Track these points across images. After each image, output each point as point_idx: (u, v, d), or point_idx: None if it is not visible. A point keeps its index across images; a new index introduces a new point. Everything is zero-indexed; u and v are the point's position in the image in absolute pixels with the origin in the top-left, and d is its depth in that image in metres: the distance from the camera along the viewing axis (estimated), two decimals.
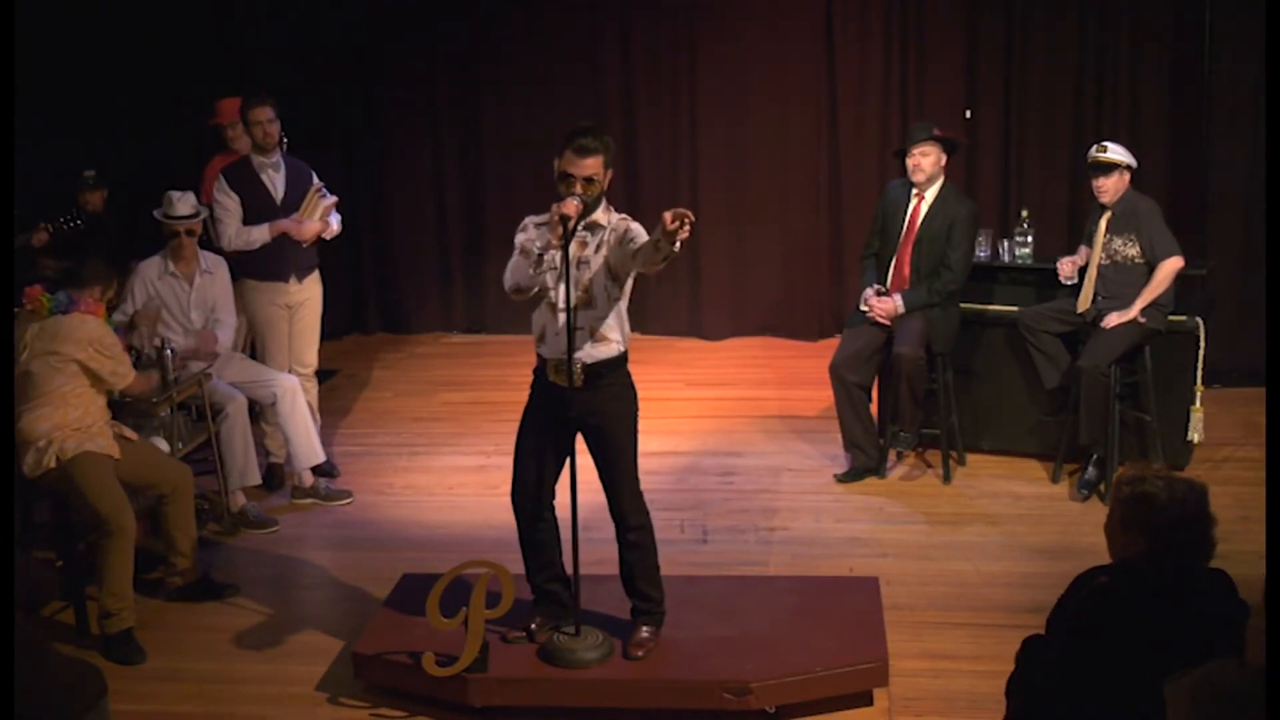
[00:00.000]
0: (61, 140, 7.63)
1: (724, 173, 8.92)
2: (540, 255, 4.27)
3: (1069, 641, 3.10)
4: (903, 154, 6.31)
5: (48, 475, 4.96)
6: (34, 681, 3.40)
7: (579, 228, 4.27)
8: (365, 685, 4.61)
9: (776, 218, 8.88)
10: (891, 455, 6.53)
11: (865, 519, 6.01)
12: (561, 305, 4.27)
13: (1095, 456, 6.12)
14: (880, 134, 8.62)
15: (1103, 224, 6.09)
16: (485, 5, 8.98)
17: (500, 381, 7.97)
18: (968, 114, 8.39)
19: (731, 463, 6.73)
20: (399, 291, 9.52)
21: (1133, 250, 6.03)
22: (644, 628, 4.53)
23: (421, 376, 8.54)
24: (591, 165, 4.22)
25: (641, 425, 4.46)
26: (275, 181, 6.31)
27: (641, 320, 8.57)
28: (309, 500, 6.35)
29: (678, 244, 3.94)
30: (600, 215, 4.32)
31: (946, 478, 6.37)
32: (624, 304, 4.40)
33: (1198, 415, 6.20)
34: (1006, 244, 6.61)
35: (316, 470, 6.41)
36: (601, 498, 4.48)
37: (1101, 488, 6.08)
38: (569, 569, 4.52)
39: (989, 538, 5.77)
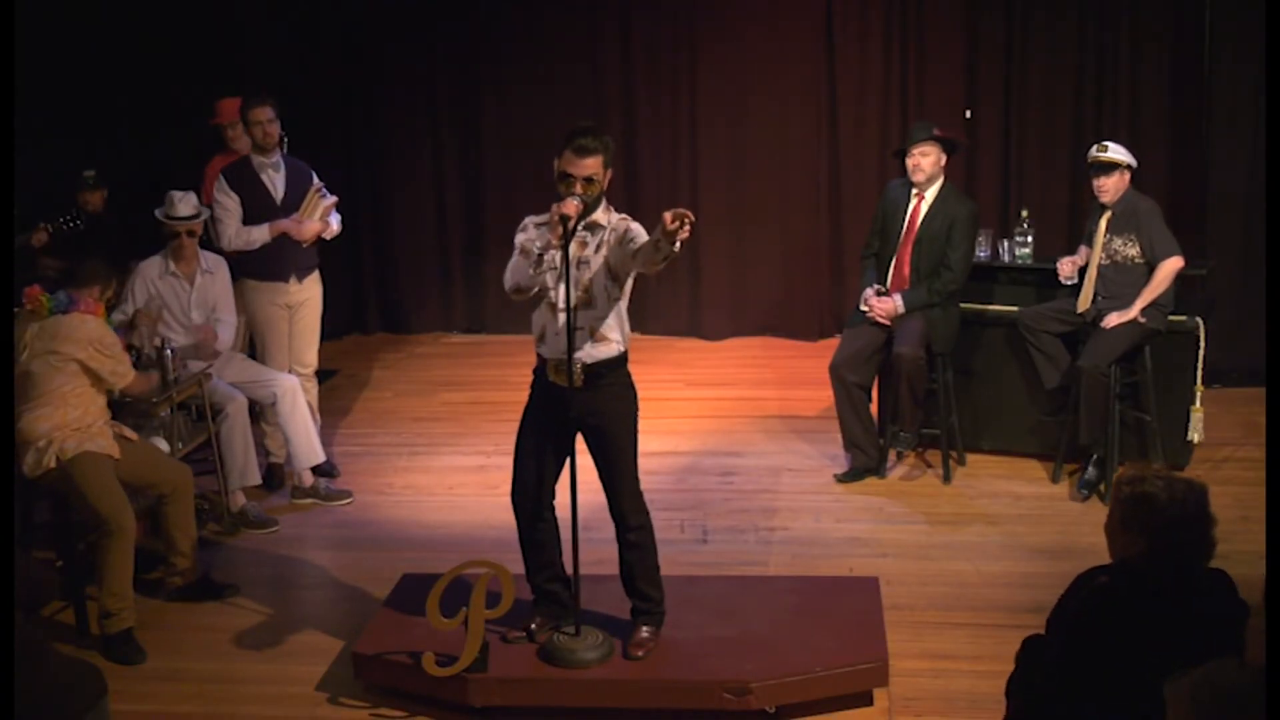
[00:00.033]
0: (61, 140, 7.62)
1: (724, 173, 8.92)
2: (540, 255, 4.27)
3: (1069, 641, 3.10)
4: (903, 154, 6.31)
5: (48, 475, 4.96)
6: (34, 681, 3.40)
7: (579, 228, 4.27)
8: (365, 685, 4.61)
9: (776, 218, 8.89)
10: (891, 455, 6.53)
11: (865, 519, 6.01)
12: (561, 305, 4.27)
13: (1095, 456, 6.12)
14: (880, 134, 8.62)
15: (1103, 224, 6.09)
16: (485, 5, 8.98)
17: (500, 381, 7.97)
18: (968, 114, 8.39)
19: (731, 463, 6.73)
20: (399, 291, 9.52)
21: (1133, 250, 6.03)
22: (644, 628, 4.53)
23: (421, 376, 8.54)
24: (591, 165, 4.22)
25: (641, 425, 4.46)
26: (275, 181, 6.31)
27: (641, 320, 8.57)
28: (309, 500, 6.35)
29: (678, 244, 3.94)
30: (600, 215, 4.32)
31: (946, 478, 6.37)
32: (624, 304, 4.40)
33: (1198, 415, 6.20)
34: (1006, 244, 6.61)
35: (316, 470, 6.41)
36: (601, 498, 4.48)
37: (1101, 488, 6.08)
38: (569, 569, 4.52)
39: (989, 538, 5.77)
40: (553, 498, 4.54)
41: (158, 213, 6.00)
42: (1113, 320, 5.98)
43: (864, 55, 8.60)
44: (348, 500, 6.38)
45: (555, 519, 4.57)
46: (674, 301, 9.10)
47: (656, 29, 8.86)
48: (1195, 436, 6.23)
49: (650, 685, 4.37)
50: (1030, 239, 6.56)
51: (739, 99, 8.79)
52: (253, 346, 6.61)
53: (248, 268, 6.30)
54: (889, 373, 6.28)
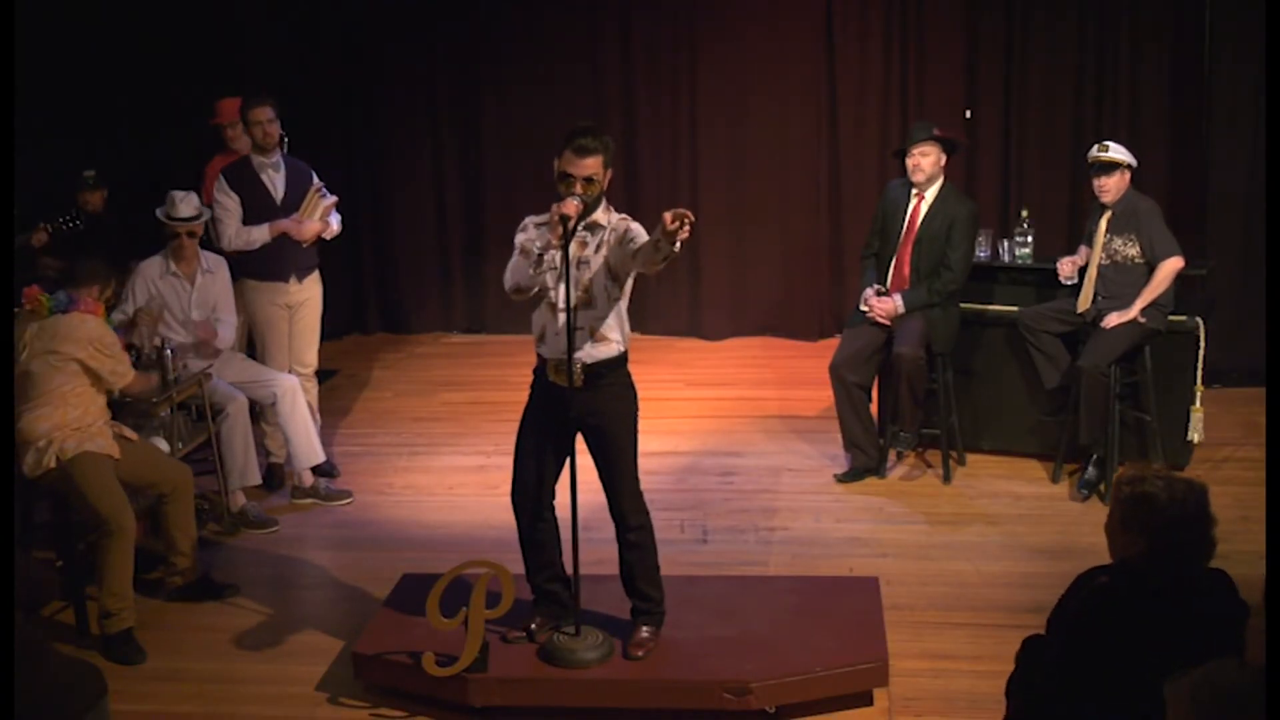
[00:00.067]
0: (61, 140, 7.62)
1: (724, 173, 8.92)
2: (540, 255, 4.27)
3: (1069, 641, 3.10)
4: (902, 154, 6.31)
5: (48, 475, 4.96)
6: (34, 681, 3.40)
7: (579, 228, 4.27)
8: (365, 685, 4.61)
9: (776, 218, 8.89)
10: (891, 455, 6.53)
11: (865, 519, 6.01)
12: (561, 305, 4.27)
13: (1095, 456, 6.12)
14: (880, 134, 8.62)
15: (1103, 224, 6.09)
16: (485, 5, 8.98)
17: (500, 381, 7.97)
18: (968, 114, 8.39)
19: (731, 463, 6.73)
20: (399, 291, 9.52)
21: (1133, 250, 6.03)
22: (644, 628, 4.53)
23: (421, 376, 8.54)
24: (591, 165, 4.22)
25: (641, 425, 4.46)
26: (275, 181, 6.31)
27: (641, 320, 8.57)
28: (309, 500, 6.35)
29: (678, 244, 3.94)
30: (600, 215, 4.32)
31: (946, 478, 6.37)
32: (624, 304, 4.40)
33: (1198, 415, 6.20)
34: (1006, 244, 6.61)
35: (316, 470, 6.41)
36: (601, 498, 4.48)
37: (1101, 488, 6.08)
38: (569, 569, 4.52)
39: (989, 538, 5.77)
40: (553, 498, 4.54)
41: (159, 213, 6.00)
42: (1113, 320, 5.98)
43: (864, 55, 8.60)
44: (348, 500, 6.38)
45: (555, 519, 4.57)
46: (674, 301, 9.10)
47: (656, 29, 8.86)
48: (1195, 436, 6.23)
49: (650, 685, 4.37)
50: (1030, 239, 6.56)
51: (739, 99, 8.79)
52: (252, 346, 6.61)
53: (248, 268, 6.30)
54: (889, 373, 6.28)
